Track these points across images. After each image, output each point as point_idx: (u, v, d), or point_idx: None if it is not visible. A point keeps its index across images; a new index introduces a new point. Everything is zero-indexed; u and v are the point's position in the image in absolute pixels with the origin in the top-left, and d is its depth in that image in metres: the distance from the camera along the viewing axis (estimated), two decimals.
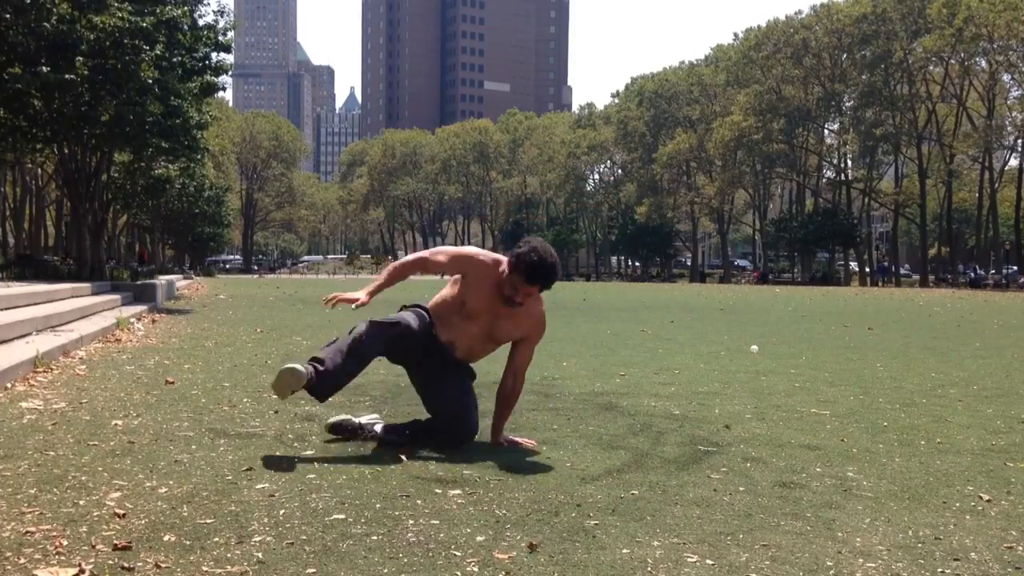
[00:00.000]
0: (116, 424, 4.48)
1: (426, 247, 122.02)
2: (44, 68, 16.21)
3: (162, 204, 42.70)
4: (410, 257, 4.36)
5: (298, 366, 3.84)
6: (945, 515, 3.15)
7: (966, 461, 4.05)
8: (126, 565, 2.42)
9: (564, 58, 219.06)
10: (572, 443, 4.25)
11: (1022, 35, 53.82)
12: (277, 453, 3.89)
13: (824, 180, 75.57)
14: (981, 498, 3.39)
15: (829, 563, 2.59)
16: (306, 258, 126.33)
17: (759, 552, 2.68)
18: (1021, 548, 2.78)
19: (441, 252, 4.28)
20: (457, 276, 4.23)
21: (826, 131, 73.04)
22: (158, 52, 17.43)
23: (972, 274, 59.72)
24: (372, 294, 4.08)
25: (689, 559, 2.60)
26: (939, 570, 2.56)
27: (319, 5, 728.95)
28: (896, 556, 2.68)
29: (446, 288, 4.29)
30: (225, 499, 3.12)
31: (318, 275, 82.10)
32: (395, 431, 4.20)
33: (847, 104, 70.41)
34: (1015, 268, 61.26)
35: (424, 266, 4.27)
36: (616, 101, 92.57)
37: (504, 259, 4.15)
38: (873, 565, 2.59)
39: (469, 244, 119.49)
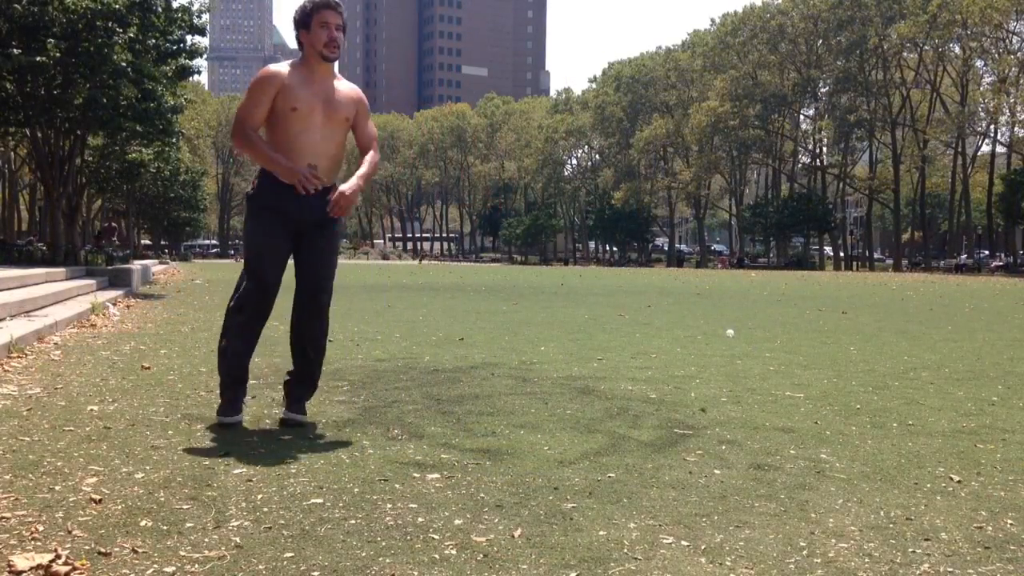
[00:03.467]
0: (92, 409, 4.46)
1: (404, 232, 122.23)
2: (15, 50, 15.98)
3: (137, 188, 42.30)
4: (240, 134, 4.18)
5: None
6: (916, 496, 3.19)
7: (937, 443, 4.11)
8: (103, 550, 2.42)
9: (542, 43, 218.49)
10: (549, 427, 4.28)
11: (995, 21, 54.26)
12: (254, 438, 3.89)
13: (799, 165, 76.06)
14: (952, 479, 3.44)
15: (802, 543, 2.63)
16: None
17: (734, 533, 2.71)
18: (991, 528, 2.83)
19: (248, 104, 4.15)
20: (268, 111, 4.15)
21: (801, 117, 73.48)
22: (132, 35, 17.22)
23: (965, 258, 60.07)
24: (281, 161, 4.05)
25: (665, 540, 2.62)
26: (910, 550, 2.60)
27: None
28: (868, 536, 2.72)
29: (265, 136, 4.20)
30: (202, 484, 3.12)
31: None
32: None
33: (822, 90, 70.88)
34: (986, 252, 61.97)
35: (252, 126, 4.13)
36: (593, 86, 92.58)
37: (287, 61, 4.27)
38: (845, 545, 2.62)
39: (443, 226, 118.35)
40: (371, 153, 4.32)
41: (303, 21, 4.10)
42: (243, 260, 4.29)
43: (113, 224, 36.51)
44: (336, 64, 4.27)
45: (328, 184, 4.20)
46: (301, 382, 4.34)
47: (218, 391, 4.34)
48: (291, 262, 4.26)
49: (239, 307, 4.18)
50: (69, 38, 16.49)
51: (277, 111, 4.10)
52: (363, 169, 4.25)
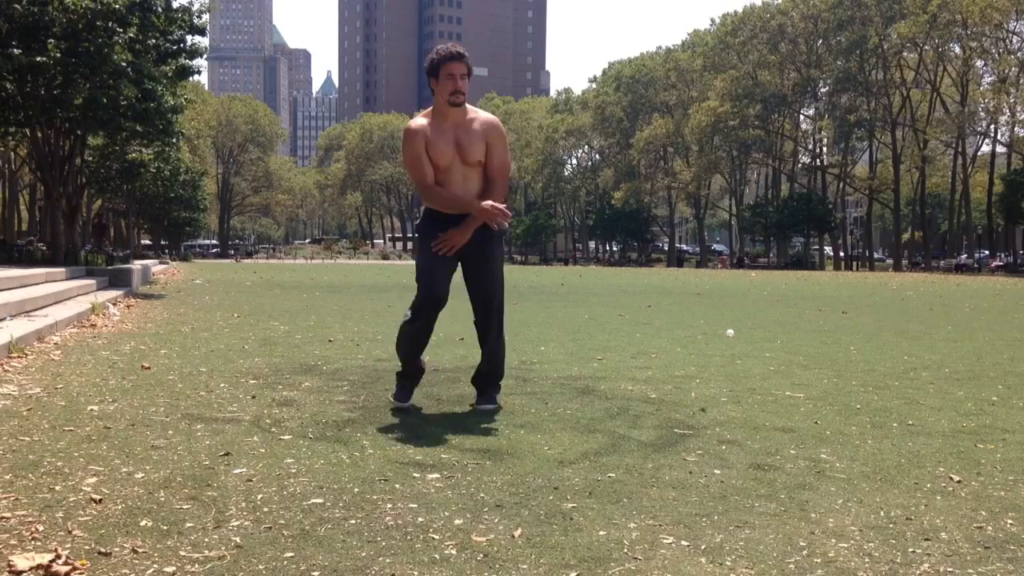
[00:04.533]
0: (92, 409, 4.46)
1: (404, 232, 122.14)
2: (16, 51, 15.98)
3: (137, 188, 42.32)
4: (428, 195, 4.60)
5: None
6: (916, 496, 3.19)
7: (937, 443, 4.11)
8: (103, 550, 2.42)
9: (542, 42, 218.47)
10: (550, 427, 4.28)
11: (995, 21, 54.26)
12: (254, 438, 3.89)
13: (799, 165, 76.05)
14: (952, 479, 3.44)
15: (802, 543, 2.63)
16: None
17: (734, 533, 2.71)
18: (991, 528, 2.83)
19: (415, 167, 4.54)
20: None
21: (801, 117, 73.46)
22: (132, 35, 17.22)
23: (965, 258, 60.11)
24: (469, 209, 4.50)
25: (665, 540, 2.62)
26: (910, 550, 2.60)
27: None
28: (868, 536, 2.72)
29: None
30: (202, 484, 3.12)
31: (295, 260, 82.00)
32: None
33: (822, 90, 70.87)
34: (986, 252, 61.98)
35: (432, 181, 4.55)
36: (593, 86, 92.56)
37: (421, 112, 4.73)
38: (845, 545, 2.62)
39: None
40: (496, 183, 4.61)
41: (433, 71, 4.49)
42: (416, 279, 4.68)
43: (103, 222, 36.28)
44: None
45: None
46: (483, 378, 4.84)
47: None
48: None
49: (413, 318, 4.60)
50: (69, 38, 16.49)
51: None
52: (492, 191, 4.58)
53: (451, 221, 4.53)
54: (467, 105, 4.58)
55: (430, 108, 4.64)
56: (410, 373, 4.76)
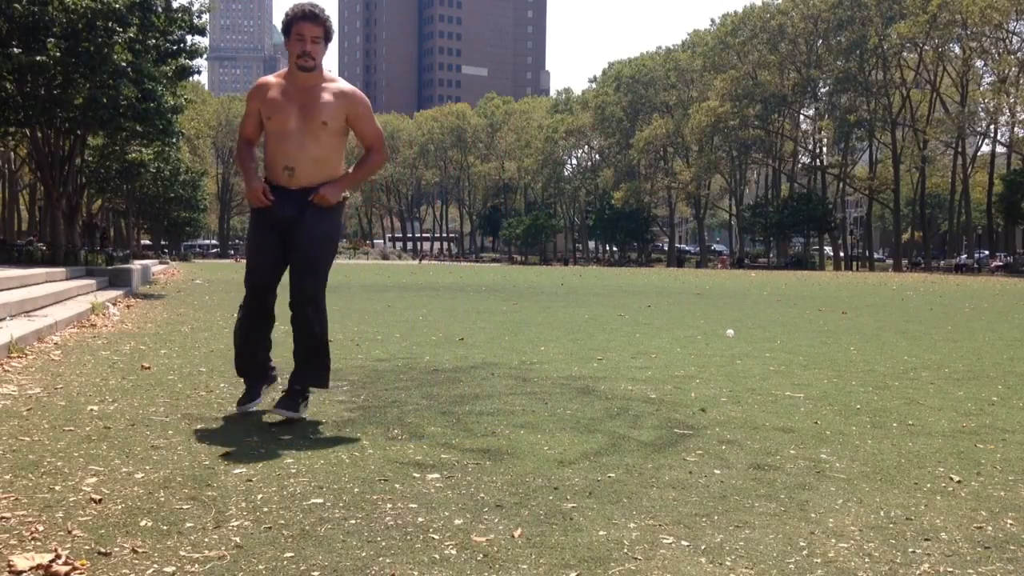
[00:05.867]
0: (92, 409, 4.46)
1: (404, 233, 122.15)
2: (16, 50, 15.98)
3: (137, 188, 42.32)
4: (237, 147, 4.62)
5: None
6: (916, 496, 3.19)
7: (937, 443, 4.11)
8: (103, 550, 2.42)
9: (542, 42, 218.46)
10: (549, 427, 4.28)
11: (995, 21, 54.26)
12: (254, 438, 3.89)
13: (799, 165, 76.05)
14: (952, 479, 3.44)
15: (802, 543, 2.63)
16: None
17: (734, 533, 2.71)
18: (991, 528, 2.83)
19: (242, 119, 4.48)
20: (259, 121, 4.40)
21: (801, 117, 73.47)
22: (132, 34, 17.22)
23: (965, 258, 60.15)
24: (252, 179, 4.34)
25: (665, 540, 2.62)
26: (910, 550, 2.60)
27: None
28: (868, 536, 2.72)
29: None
30: (202, 484, 3.12)
31: None
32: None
33: (822, 90, 70.88)
34: (986, 252, 62.00)
35: (249, 141, 4.50)
36: (593, 86, 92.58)
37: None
38: (845, 545, 2.62)
39: (443, 226, 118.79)
40: (369, 154, 4.53)
41: (284, 31, 4.25)
42: None
43: (95, 222, 36.10)
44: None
45: (314, 184, 4.32)
46: (295, 371, 4.46)
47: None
48: None
49: (242, 305, 4.50)
50: (69, 38, 16.48)
51: (263, 121, 4.32)
52: (351, 171, 4.47)
53: (276, 191, 4.29)
54: (331, 75, 4.36)
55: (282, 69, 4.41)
56: (245, 372, 4.53)
